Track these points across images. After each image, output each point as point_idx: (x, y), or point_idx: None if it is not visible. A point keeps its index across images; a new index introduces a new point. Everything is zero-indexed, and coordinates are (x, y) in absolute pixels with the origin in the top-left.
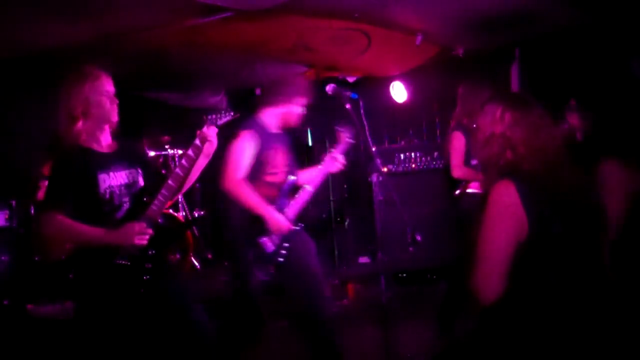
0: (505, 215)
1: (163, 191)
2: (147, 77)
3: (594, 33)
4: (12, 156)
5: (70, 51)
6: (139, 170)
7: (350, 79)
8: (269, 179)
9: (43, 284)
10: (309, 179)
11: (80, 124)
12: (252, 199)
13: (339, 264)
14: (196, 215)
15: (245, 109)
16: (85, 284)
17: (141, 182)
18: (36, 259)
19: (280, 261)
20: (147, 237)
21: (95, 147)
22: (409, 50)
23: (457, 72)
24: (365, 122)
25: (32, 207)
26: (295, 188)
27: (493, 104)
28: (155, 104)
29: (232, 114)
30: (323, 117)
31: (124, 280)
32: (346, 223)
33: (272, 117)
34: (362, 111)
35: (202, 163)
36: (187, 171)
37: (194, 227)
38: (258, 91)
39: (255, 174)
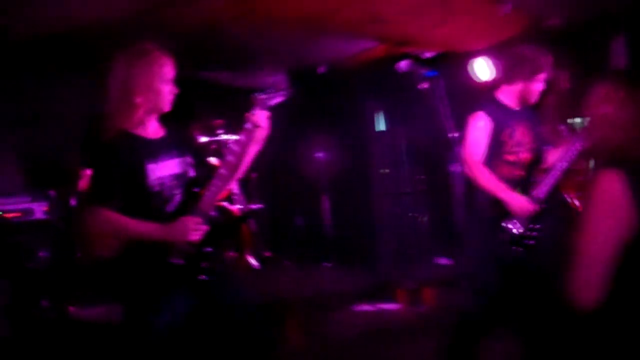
0: (610, 209)
1: (215, 181)
2: (197, 54)
3: None
4: (50, 143)
5: (109, 27)
6: (189, 159)
7: (427, 55)
8: (510, 158)
9: (86, 284)
10: (560, 156)
11: (141, 112)
12: (489, 181)
13: (415, 265)
14: (253, 208)
15: (307, 88)
16: (136, 284)
17: (191, 171)
18: (78, 255)
19: (530, 244)
20: (202, 232)
21: (141, 133)
22: (494, 22)
23: (551, 46)
24: (445, 104)
25: (72, 199)
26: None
27: (602, 83)
28: (206, 85)
29: (283, 93)
30: (396, 100)
31: (180, 281)
32: (423, 219)
33: (510, 94)
34: (441, 92)
35: (253, 150)
36: (239, 158)
37: (251, 222)
38: (322, 69)
39: (495, 154)
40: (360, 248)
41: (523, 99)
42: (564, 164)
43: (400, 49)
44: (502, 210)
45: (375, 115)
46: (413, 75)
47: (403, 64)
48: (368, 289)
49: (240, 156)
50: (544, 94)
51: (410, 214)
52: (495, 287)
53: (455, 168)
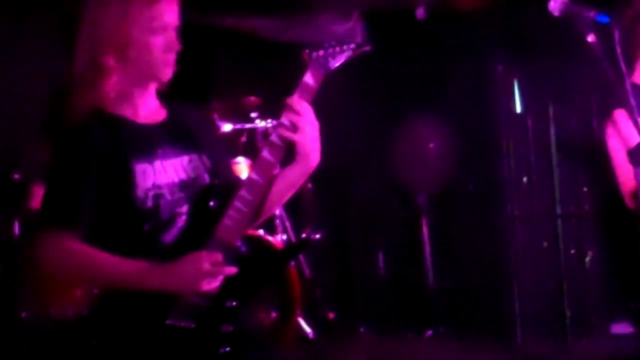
0: None
1: (243, 193)
2: None
3: None
4: None
5: None
6: (204, 158)
7: None
8: None
9: None
10: None
11: (114, 79)
12: None
13: (575, 333)
14: (307, 238)
15: (397, 43)
16: None
17: (207, 177)
18: (23, 315)
19: None
20: (222, 277)
21: (129, 115)
22: None
23: None
24: (624, 67)
25: (17, 224)
26: None
27: None
28: (234, 40)
29: (353, 47)
30: (543, 62)
31: (188, 357)
32: (587, 259)
33: None
34: (618, 48)
35: (306, 143)
36: (281, 154)
37: (304, 262)
38: (421, 12)
39: None
40: (486, 306)
41: None
42: None
43: None
44: None
45: (510, 87)
46: (572, 21)
47: (556, 3)
48: None
49: (282, 151)
50: None
51: (566, 250)
52: None
53: None
